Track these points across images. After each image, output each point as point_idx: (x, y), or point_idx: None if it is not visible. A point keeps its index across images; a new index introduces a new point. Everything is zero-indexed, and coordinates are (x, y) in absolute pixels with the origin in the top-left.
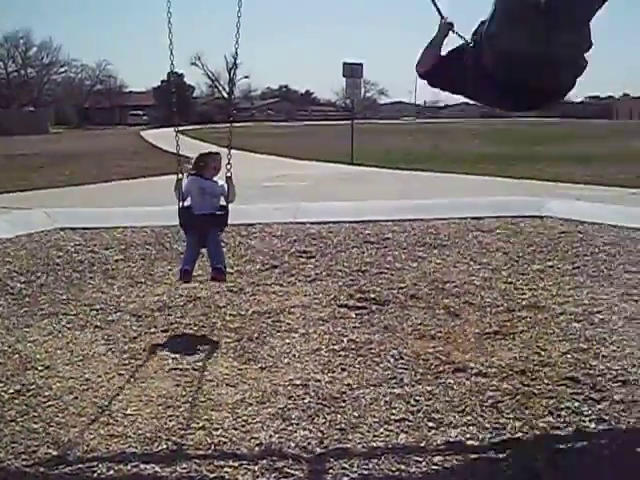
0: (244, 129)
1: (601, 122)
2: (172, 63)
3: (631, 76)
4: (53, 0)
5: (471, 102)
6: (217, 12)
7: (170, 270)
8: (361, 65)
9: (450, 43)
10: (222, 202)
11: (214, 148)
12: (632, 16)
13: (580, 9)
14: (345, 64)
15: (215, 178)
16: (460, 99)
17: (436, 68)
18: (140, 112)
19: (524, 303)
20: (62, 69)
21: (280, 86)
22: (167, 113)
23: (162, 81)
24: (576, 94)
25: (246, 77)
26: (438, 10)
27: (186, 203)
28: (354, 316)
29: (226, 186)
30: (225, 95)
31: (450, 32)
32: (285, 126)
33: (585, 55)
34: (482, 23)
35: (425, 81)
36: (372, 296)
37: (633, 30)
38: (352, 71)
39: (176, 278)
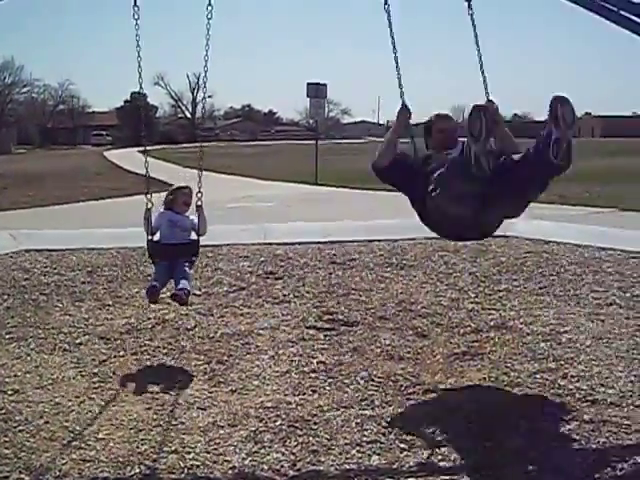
0: (207, 149)
1: None
2: (141, 86)
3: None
4: (14, 20)
5: None
6: (179, 32)
7: (137, 292)
8: (325, 85)
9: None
10: (193, 236)
11: (177, 168)
12: (592, 40)
13: (522, 188)
14: (309, 84)
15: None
16: (425, 118)
17: (391, 166)
18: (103, 132)
19: (492, 323)
20: (24, 89)
21: (243, 106)
22: (130, 133)
23: (125, 101)
24: (537, 113)
25: (209, 97)
26: (401, 92)
27: (155, 237)
28: (323, 338)
29: (196, 219)
30: (188, 115)
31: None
32: (249, 146)
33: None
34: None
35: (378, 176)
36: (340, 317)
37: (593, 54)
38: (316, 91)
39: (144, 295)
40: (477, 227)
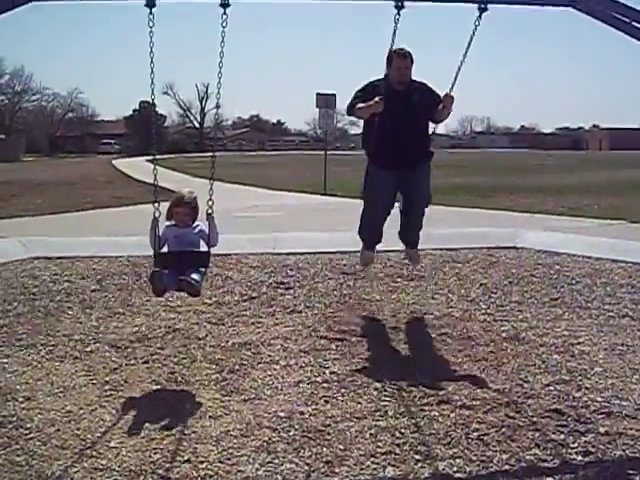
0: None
1: (572, 153)
2: (152, 92)
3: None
4: (24, 29)
5: (440, 132)
6: (188, 41)
7: (148, 300)
8: (334, 96)
9: None
10: (203, 247)
11: (187, 178)
12: (599, 50)
13: None
14: (319, 95)
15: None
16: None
17: None
18: (111, 141)
19: (504, 335)
20: (34, 97)
21: (251, 116)
22: (139, 142)
23: (134, 110)
24: (544, 125)
25: (217, 107)
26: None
27: (163, 250)
28: (334, 348)
29: (205, 228)
30: (196, 125)
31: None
32: (257, 156)
33: None
34: None
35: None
36: (352, 328)
37: (601, 64)
38: (325, 102)
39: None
40: None
